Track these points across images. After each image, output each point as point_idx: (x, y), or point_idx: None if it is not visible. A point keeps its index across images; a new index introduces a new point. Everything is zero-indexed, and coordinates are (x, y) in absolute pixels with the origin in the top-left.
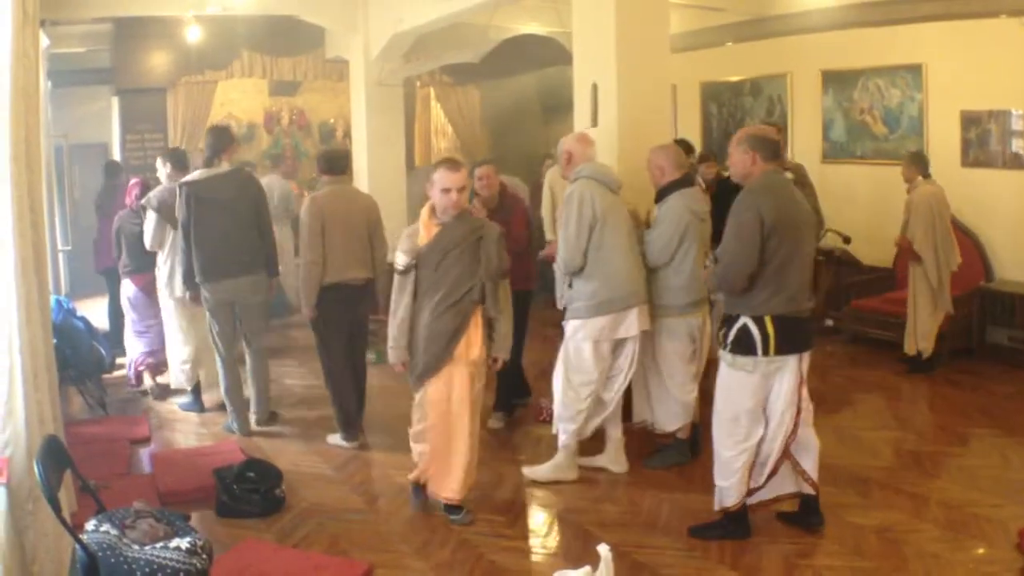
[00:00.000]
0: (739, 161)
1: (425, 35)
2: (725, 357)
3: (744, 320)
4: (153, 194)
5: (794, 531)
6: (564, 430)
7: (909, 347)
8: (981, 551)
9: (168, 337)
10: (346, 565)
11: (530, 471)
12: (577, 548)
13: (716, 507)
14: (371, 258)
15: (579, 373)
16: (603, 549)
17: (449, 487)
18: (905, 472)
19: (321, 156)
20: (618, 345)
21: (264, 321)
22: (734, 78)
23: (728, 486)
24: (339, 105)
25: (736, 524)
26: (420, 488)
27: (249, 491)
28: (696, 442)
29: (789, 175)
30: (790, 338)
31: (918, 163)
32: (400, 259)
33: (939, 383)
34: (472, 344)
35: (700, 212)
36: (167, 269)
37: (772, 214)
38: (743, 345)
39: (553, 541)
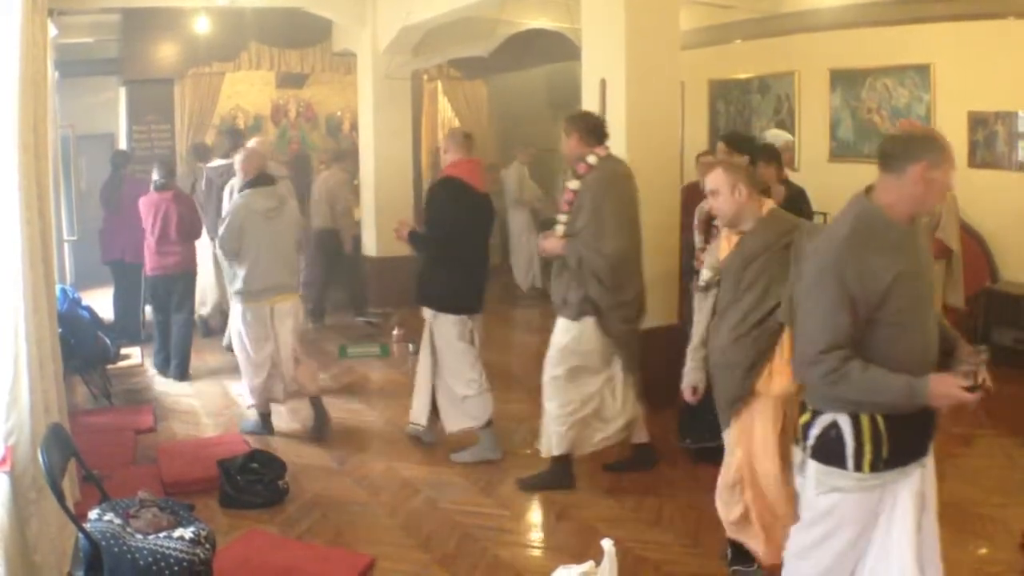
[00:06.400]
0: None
1: (433, 29)
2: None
3: None
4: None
5: None
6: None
7: None
8: (985, 551)
9: None
10: (349, 557)
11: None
12: (580, 543)
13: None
14: None
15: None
16: (606, 544)
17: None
18: None
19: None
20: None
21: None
22: (742, 76)
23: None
24: (346, 98)
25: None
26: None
27: (253, 482)
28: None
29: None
30: None
31: None
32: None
33: None
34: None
35: None
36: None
37: None
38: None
39: (556, 536)
